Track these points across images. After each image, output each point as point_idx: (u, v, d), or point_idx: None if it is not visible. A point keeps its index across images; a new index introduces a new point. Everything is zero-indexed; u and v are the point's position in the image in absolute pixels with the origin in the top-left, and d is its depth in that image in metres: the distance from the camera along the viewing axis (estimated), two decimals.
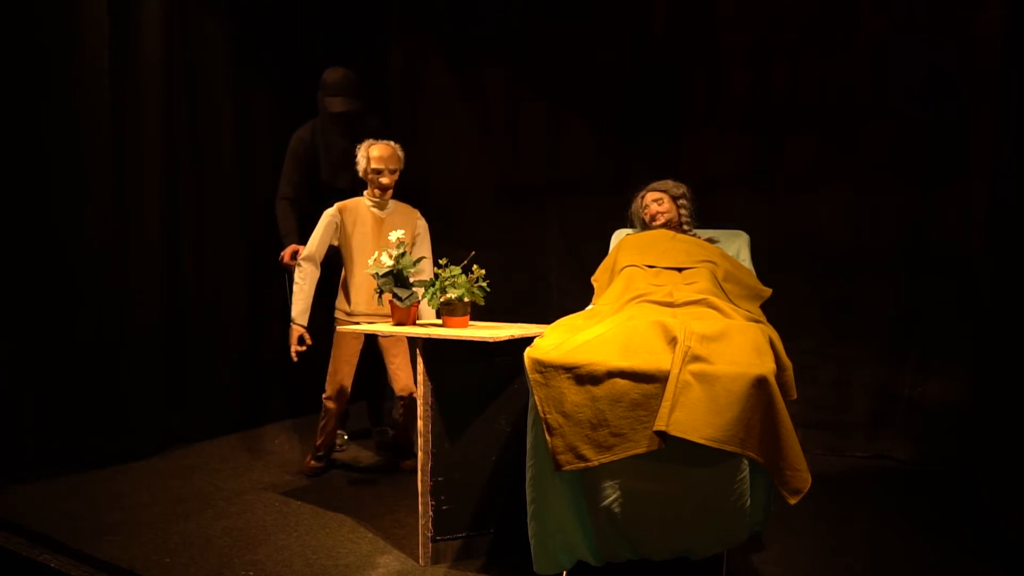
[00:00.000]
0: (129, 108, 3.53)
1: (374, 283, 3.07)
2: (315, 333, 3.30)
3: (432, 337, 2.46)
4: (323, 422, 3.34)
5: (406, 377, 3.26)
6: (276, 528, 2.76)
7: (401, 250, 2.79)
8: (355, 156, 3.30)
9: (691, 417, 1.91)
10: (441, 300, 2.63)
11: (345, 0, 4.69)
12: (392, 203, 3.34)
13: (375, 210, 3.30)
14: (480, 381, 2.52)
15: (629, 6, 4.15)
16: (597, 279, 2.94)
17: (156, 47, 3.60)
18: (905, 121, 3.59)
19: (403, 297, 2.74)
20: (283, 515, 2.90)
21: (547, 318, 2.61)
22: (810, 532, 2.73)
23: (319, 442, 3.38)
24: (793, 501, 1.96)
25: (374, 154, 3.22)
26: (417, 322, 2.83)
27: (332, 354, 3.28)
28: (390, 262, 2.78)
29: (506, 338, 2.38)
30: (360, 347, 3.31)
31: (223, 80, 4.01)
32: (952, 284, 3.51)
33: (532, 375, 2.09)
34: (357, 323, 3.20)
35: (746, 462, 1.99)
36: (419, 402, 2.45)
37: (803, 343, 3.55)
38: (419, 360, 2.46)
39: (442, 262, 2.71)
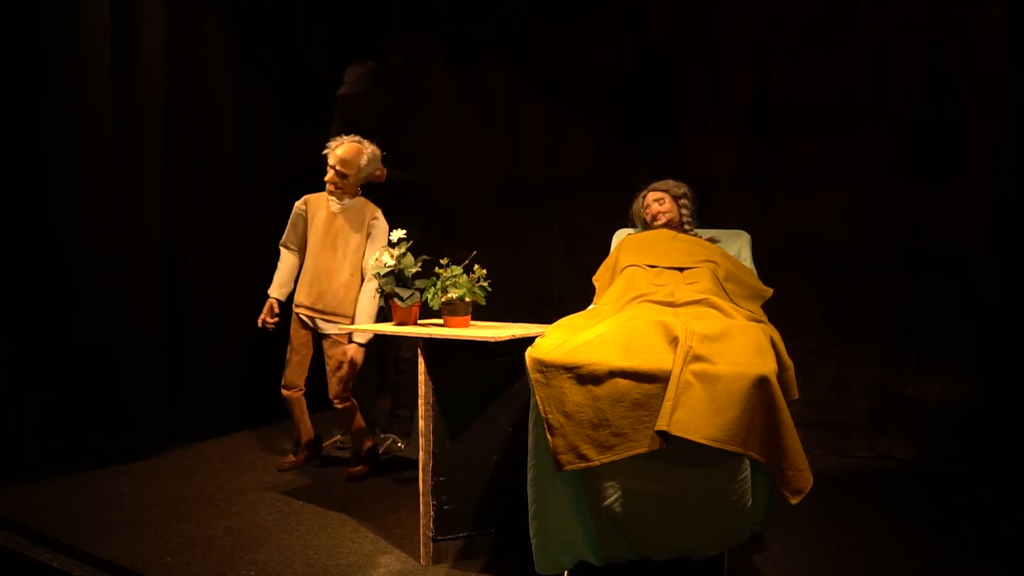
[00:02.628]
0: (130, 108, 3.53)
1: (318, 276, 3.29)
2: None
3: (433, 337, 2.46)
4: (290, 414, 3.44)
5: (336, 383, 3.27)
6: (277, 528, 2.76)
7: (403, 249, 2.79)
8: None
9: (692, 417, 1.91)
10: (442, 300, 2.63)
11: (345, 0, 4.69)
12: (351, 200, 3.35)
13: (332, 203, 3.33)
14: (481, 381, 2.52)
15: (629, 6, 4.16)
16: (598, 279, 2.94)
17: (156, 47, 3.60)
18: (905, 121, 3.59)
19: (404, 297, 2.74)
20: (284, 515, 2.90)
21: (548, 318, 2.61)
22: (811, 532, 2.74)
23: (294, 436, 3.48)
24: (794, 501, 1.96)
25: (337, 151, 3.27)
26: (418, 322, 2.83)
27: (289, 339, 3.38)
28: (391, 261, 2.78)
29: (507, 338, 2.38)
30: (308, 337, 3.35)
31: (223, 80, 4.02)
32: (952, 284, 3.51)
33: (533, 375, 2.09)
34: (298, 315, 3.34)
35: (747, 462, 1.99)
36: (420, 402, 2.45)
37: (804, 343, 3.55)
38: (420, 360, 2.46)
39: (443, 262, 2.71)
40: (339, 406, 3.30)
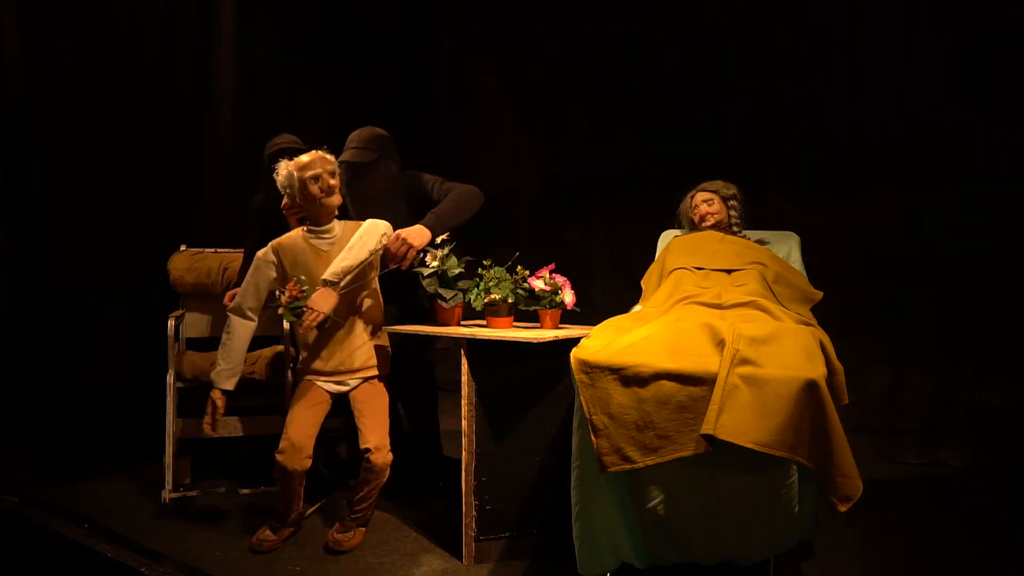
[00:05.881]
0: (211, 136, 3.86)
1: (337, 339, 2.67)
2: None
3: (476, 338, 2.47)
4: (277, 485, 2.61)
5: (373, 437, 2.57)
6: (323, 525, 2.80)
7: (446, 251, 2.80)
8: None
9: (739, 421, 1.88)
10: (485, 301, 2.64)
11: (390, 3, 4.74)
12: (339, 226, 2.70)
13: (316, 242, 2.66)
14: (525, 382, 2.52)
15: (678, 5, 4.12)
16: (646, 281, 2.92)
17: (229, 74, 3.92)
18: (962, 122, 3.48)
19: (448, 298, 2.75)
20: (330, 513, 2.93)
21: (591, 319, 2.60)
22: (860, 541, 2.67)
23: (278, 508, 2.65)
24: (843, 508, 1.91)
25: (303, 160, 2.62)
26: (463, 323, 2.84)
27: (292, 399, 2.73)
28: (435, 263, 2.79)
29: (551, 339, 2.38)
30: (327, 394, 2.70)
31: (279, 98, 4.17)
32: (1010, 287, 3.39)
33: (578, 376, 2.09)
34: (313, 381, 2.71)
35: (795, 467, 1.95)
36: (463, 402, 2.46)
37: (855, 346, 3.46)
38: (463, 360, 2.47)
39: (486, 263, 2.72)
40: (378, 461, 2.55)
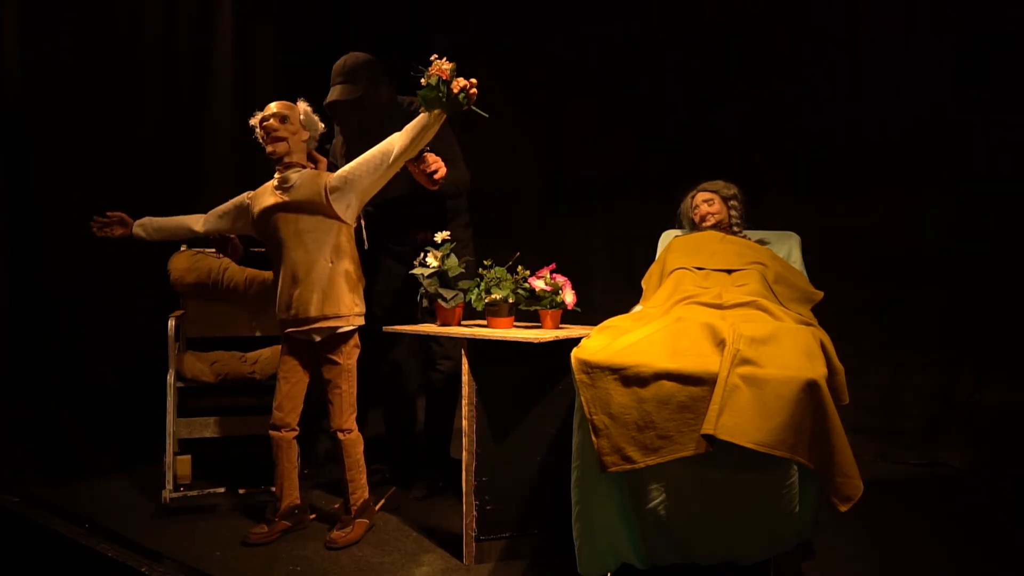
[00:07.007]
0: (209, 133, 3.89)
1: (296, 279, 2.62)
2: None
3: (477, 337, 2.47)
4: (275, 461, 2.73)
5: (338, 420, 2.68)
6: (324, 526, 2.80)
7: (447, 250, 2.80)
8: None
9: (739, 421, 1.88)
10: (486, 301, 2.63)
11: (390, 3, 4.73)
12: (296, 176, 2.67)
13: (278, 192, 2.68)
14: (525, 382, 2.52)
15: (678, 5, 4.12)
16: (646, 281, 2.92)
17: (228, 74, 3.92)
18: (962, 122, 3.48)
19: (448, 298, 2.75)
20: (330, 513, 2.93)
21: (592, 319, 2.60)
22: (860, 541, 2.67)
23: (276, 495, 2.75)
24: (844, 508, 1.91)
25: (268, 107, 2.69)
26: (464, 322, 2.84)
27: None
28: (435, 263, 2.79)
29: (551, 339, 2.37)
30: (303, 360, 2.72)
31: (279, 98, 4.18)
32: (1010, 287, 3.39)
33: (579, 376, 2.09)
34: (289, 335, 2.70)
35: (795, 467, 1.95)
36: (463, 402, 2.46)
37: (855, 346, 3.46)
38: (464, 360, 2.47)
39: (487, 263, 2.72)
40: (345, 439, 2.69)
